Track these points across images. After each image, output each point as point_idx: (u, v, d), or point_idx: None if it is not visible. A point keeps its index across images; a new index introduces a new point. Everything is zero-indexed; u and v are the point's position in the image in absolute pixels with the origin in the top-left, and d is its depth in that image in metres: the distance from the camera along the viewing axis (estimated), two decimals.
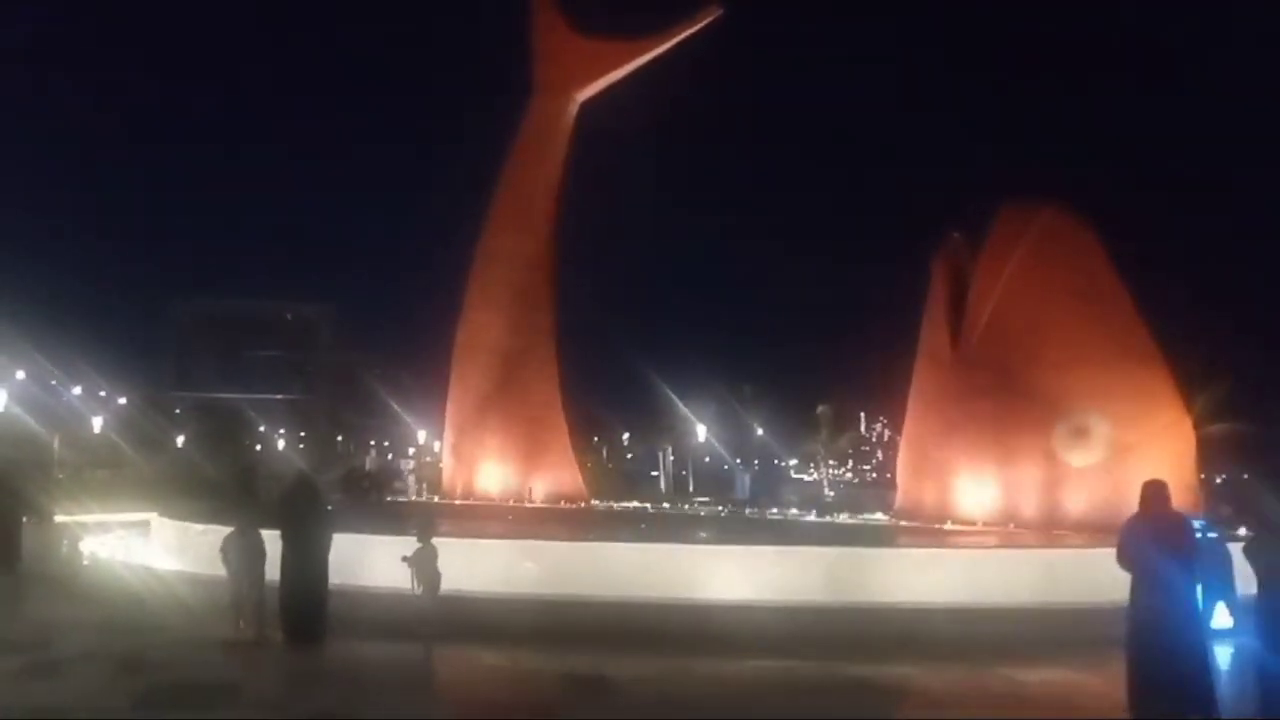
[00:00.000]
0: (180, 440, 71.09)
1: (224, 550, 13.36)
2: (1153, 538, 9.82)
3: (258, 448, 78.46)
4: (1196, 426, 21.31)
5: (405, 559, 12.80)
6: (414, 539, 13.07)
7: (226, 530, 13.75)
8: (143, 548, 19.74)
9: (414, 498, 34.31)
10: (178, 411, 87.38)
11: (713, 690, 11.27)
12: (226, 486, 32.78)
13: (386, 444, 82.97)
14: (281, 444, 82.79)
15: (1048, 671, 12.00)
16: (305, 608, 12.73)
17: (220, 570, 13.49)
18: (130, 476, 43.37)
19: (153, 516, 20.80)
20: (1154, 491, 10.12)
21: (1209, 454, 21.96)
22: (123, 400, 71.13)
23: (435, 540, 13.06)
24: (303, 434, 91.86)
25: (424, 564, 12.77)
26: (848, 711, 10.36)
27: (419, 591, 12.73)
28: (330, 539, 13.14)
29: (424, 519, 14.32)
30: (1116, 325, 21.34)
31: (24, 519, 19.86)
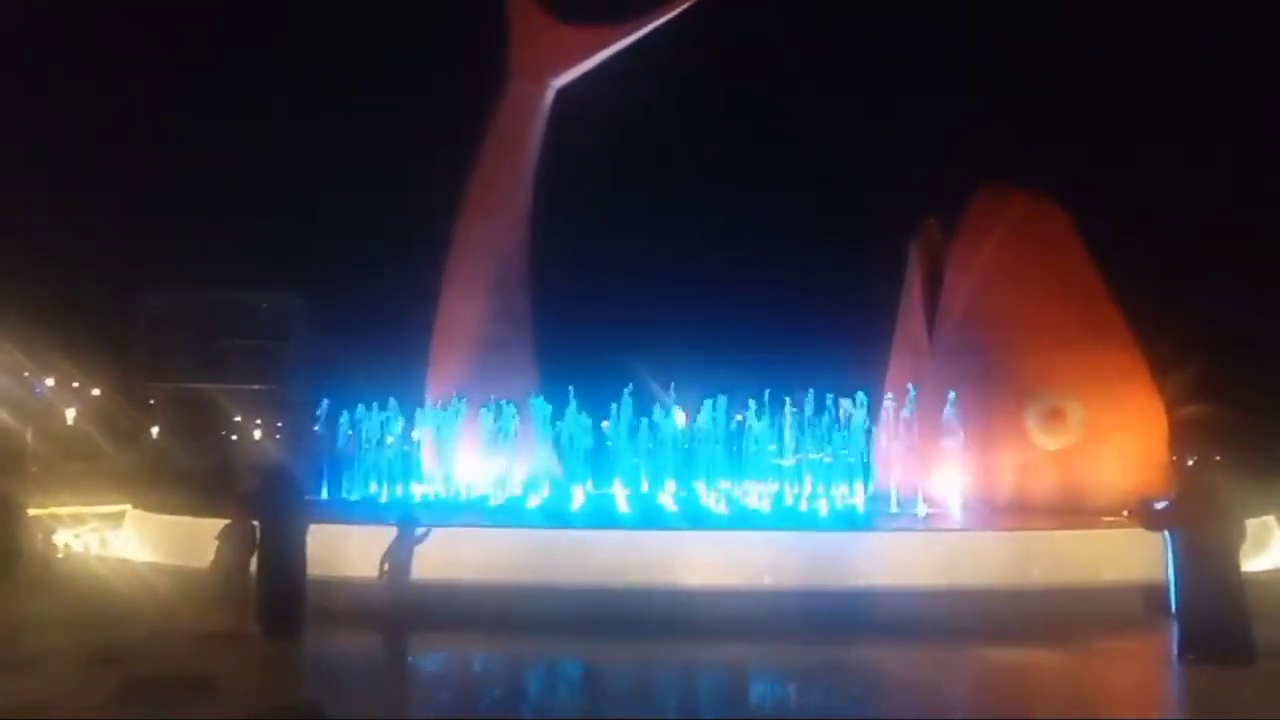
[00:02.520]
0: (155, 431, 70.55)
1: (219, 541, 13.28)
2: None
3: (233, 438, 77.98)
4: (1168, 409, 21.55)
5: (385, 557, 12.70)
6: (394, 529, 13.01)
7: (202, 521, 13.69)
8: (117, 540, 19.61)
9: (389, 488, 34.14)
10: (152, 402, 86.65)
11: (689, 676, 11.34)
12: (202, 478, 32.56)
13: (364, 433, 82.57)
14: (258, 434, 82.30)
15: (1021, 652, 12.16)
16: (283, 599, 12.67)
17: (198, 562, 13.43)
18: (104, 468, 43.03)
19: (127, 508, 20.67)
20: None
21: (1181, 436, 22.20)
22: (96, 391, 70.45)
23: (417, 530, 13.01)
24: (279, 424, 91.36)
25: (397, 554, 12.71)
26: (825, 695, 10.46)
27: (385, 581, 12.63)
28: (308, 530, 13.09)
29: (402, 509, 14.26)
30: (1090, 309, 21.50)
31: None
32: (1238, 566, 11.52)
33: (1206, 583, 11.24)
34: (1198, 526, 11.51)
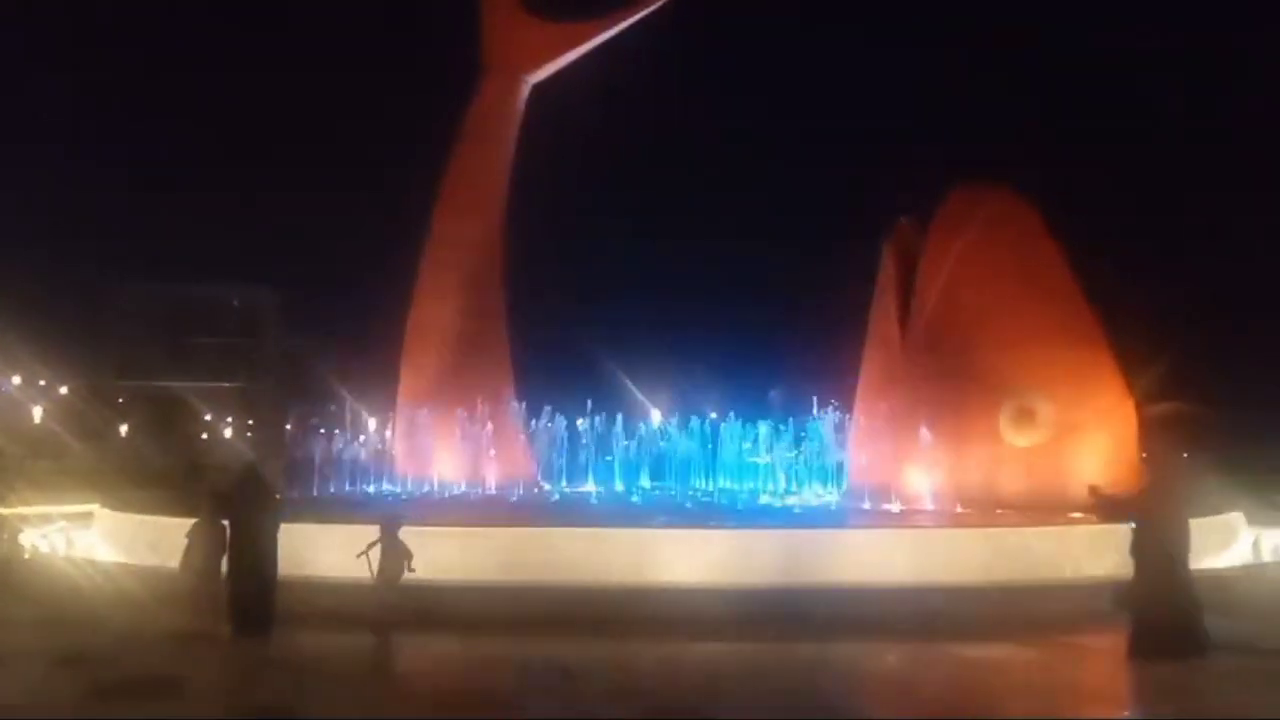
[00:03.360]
0: (124, 430, 69.76)
1: (189, 539, 13.14)
2: None
3: (203, 436, 77.28)
4: (1139, 407, 21.79)
5: (366, 549, 12.61)
6: (376, 528, 12.89)
7: (172, 521, 13.54)
8: (86, 540, 19.36)
9: (363, 486, 33.91)
10: (120, 400, 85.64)
11: (666, 674, 11.34)
12: (172, 476, 32.21)
13: (336, 431, 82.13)
14: (228, 433, 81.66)
15: (993, 647, 12.25)
16: (253, 599, 12.58)
17: (167, 562, 13.29)
18: (72, 467, 42.46)
19: (96, 508, 20.41)
20: None
21: (1151, 434, 22.44)
22: (64, 389, 69.61)
23: (401, 530, 12.91)
24: (250, 422, 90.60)
25: (388, 553, 12.61)
26: (801, 692, 10.49)
27: (376, 580, 12.58)
28: (278, 529, 12.98)
29: (389, 508, 14.12)
30: (1061, 307, 21.69)
31: None
32: (1187, 561, 11.65)
33: (1159, 576, 11.37)
34: (1152, 519, 11.66)
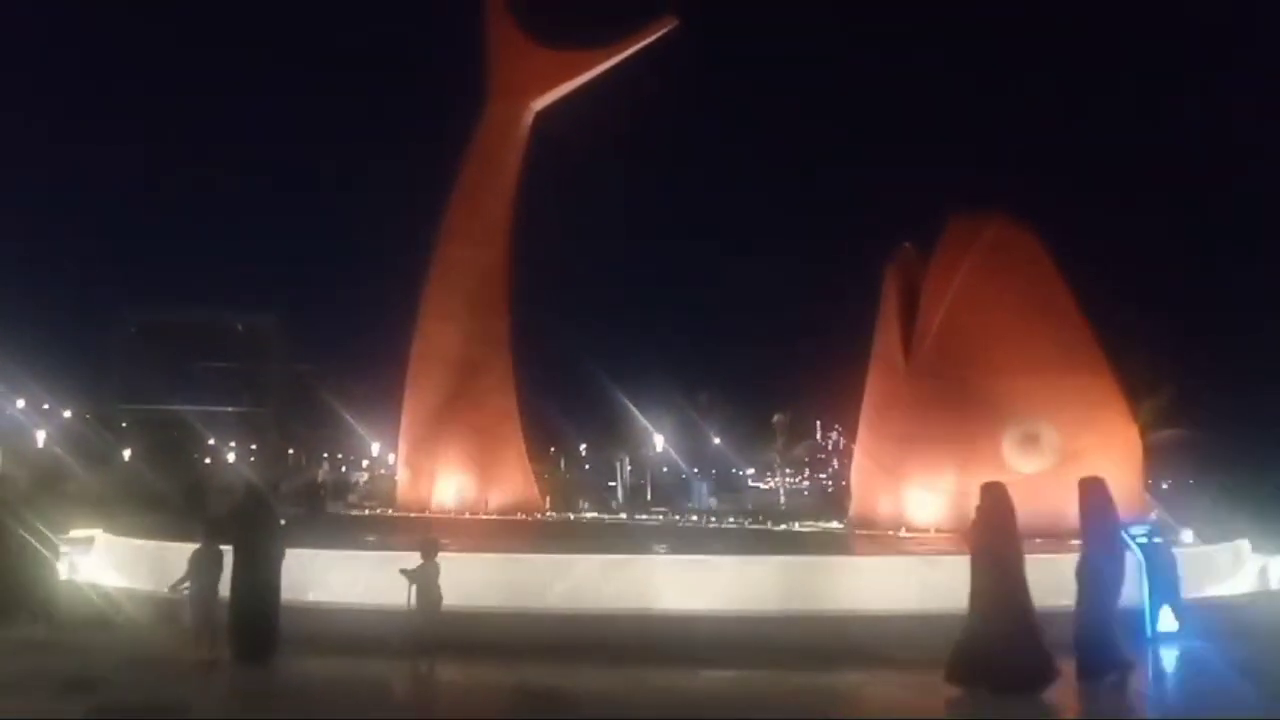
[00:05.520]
0: (127, 454, 69.70)
1: (191, 565, 13.08)
2: None
3: (207, 461, 77.22)
4: (1142, 433, 21.72)
5: (404, 572, 12.52)
6: (417, 555, 12.76)
7: (174, 546, 13.50)
8: (88, 565, 19.30)
9: (366, 511, 33.85)
10: (124, 425, 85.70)
11: (669, 702, 11.27)
12: (175, 501, 32.15)
13: (340, 456, 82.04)
14: (231, 457, 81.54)
15: None
16: (256, 624, 12.49)
17: (170, 587, 13.24)
18: (75, 492, 42.38)
19: (98, 533, 20.35)
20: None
21: (1155, 460, 22.40)
22: (67, 414, 69.66)
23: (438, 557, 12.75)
24: (253, 446, 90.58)
25: (426, 581, 12.48)
26: None
27: (414, 607, 12.44)
28: (282, 554, 12.93)
29: (427, 536, 13.92)
30: (1064, 334, 21.72)
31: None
32: (1027, 588, 11.42)
33: (1000, 603, 11.20)
34: (991, 545, 11.58)
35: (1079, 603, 11.75)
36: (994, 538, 11.57)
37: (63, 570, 18.67)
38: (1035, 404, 20.91)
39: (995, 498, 11.76)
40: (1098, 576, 11.81)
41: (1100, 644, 11.49)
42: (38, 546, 14.76)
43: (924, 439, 22.06)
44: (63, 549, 19.26)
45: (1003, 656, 10.85)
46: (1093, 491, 12.46)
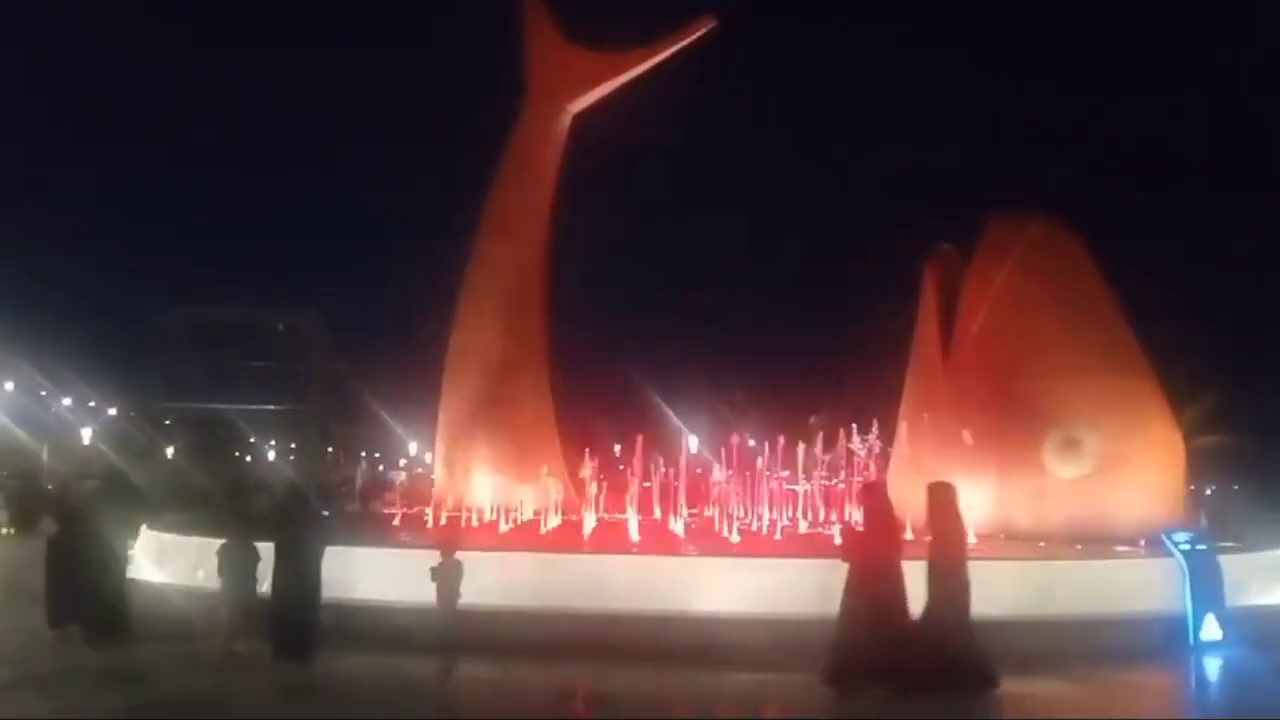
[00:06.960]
0: (170, 451, 70.81)
1: (219, 560, 13.25)
2: None
3: (248, 459, 78.22)
4: (1186, 439, 21.34)
5: (431, 570, 12.54)
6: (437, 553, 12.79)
7: (215, 542, 13.64)
8: (132, 560, 19.57)
9: (399, 510, 34.02)
10: (167, 422, 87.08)
11: (708, 704, 11.25)
12: (216, 498, 32.51)
13: (378, 455, 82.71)
14: (272, 455, 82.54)
15: (1040, 683, 12.00)
16: (297, 621, 12.57)
17: (212, 583, 13.40)
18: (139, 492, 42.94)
19: (141, 528, 20.65)
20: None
21: (1199, 466, 22.02)
22: (112, 411, 70.92)
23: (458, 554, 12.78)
24: (293, 445, 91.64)
25: (445, 578, 12.52)
26: None
27: (438, 604, 12.46)
28: (323, 551, 13.03)
29: (446, 533, 13.94)
30: (1106, 337, 21.41)
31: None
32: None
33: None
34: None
35: (928, 608, 11.61)
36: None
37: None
38: (1077, 407, 20.61)
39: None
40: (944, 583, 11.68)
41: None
42: (119, 558, 14.79)
43: (962, 442, 21.81)
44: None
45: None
46: (937, 497, 12.39)
